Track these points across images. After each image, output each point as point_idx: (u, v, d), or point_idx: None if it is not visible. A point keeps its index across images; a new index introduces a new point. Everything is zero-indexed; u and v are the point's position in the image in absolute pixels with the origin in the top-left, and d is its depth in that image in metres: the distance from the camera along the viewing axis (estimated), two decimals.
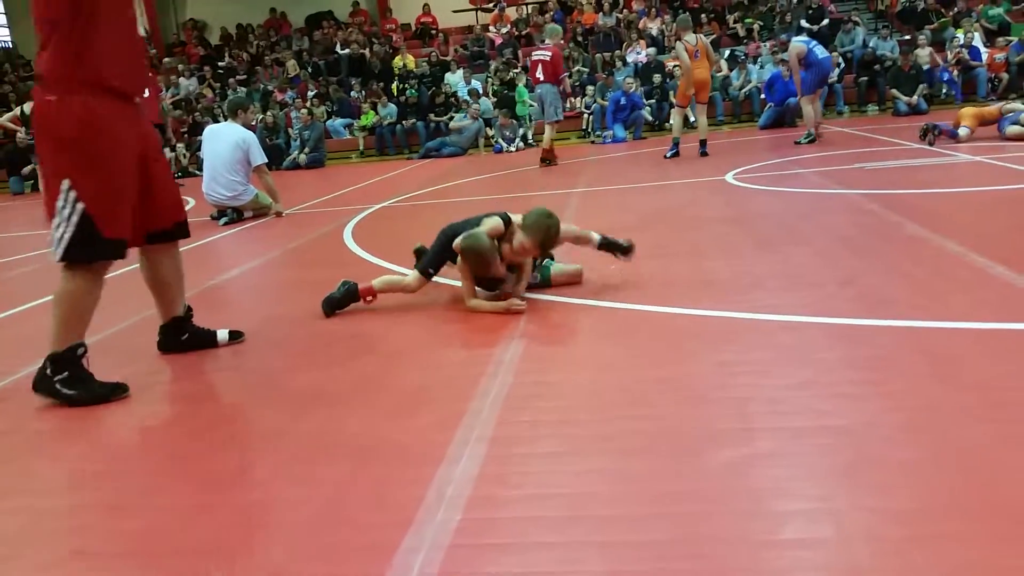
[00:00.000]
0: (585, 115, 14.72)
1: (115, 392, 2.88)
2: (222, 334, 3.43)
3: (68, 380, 2.83)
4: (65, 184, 2.75)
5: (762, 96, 13.72)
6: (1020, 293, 3.07)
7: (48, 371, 2.84)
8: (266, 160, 7.49)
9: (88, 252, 2.82)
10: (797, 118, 12.58)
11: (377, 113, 15.46)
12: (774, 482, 1.88)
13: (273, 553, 1.78)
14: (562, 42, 10.93)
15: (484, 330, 3.25)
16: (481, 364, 2.84)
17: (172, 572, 1.76)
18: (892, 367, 2.49)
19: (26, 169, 14.03)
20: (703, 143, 9.45)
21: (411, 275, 3.72)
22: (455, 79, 16.07)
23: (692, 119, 10.83)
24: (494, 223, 3.51)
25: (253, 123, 8.32)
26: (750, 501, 1.80)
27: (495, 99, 15.08)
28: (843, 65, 14.40)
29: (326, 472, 2.16)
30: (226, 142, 7.20)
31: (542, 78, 10.11)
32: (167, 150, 10.48)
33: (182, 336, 3.36)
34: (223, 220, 7.31)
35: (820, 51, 9.65)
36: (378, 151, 15.32)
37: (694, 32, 9.60)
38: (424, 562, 1.68)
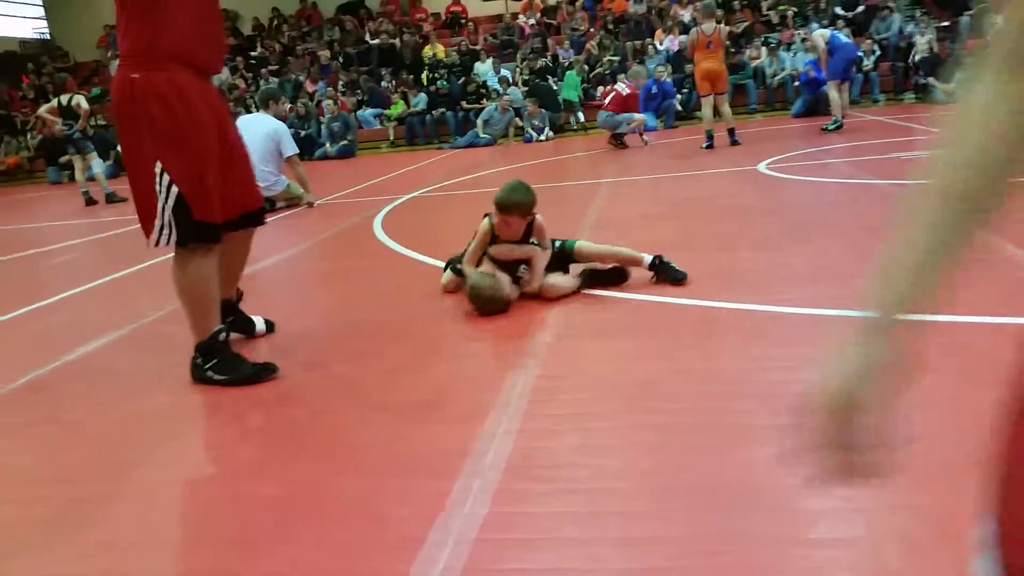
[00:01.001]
0: None
1: (264, 372, 2.89)
2: (259, 323, 3.45)
3: (219, 366, 2.87)
4: (158, 167, 2.68)
5: (795, 84, 13.53)
6: None
7: (199, 360, 2.89)
8: (297, 151, 7.55)
9: (183, 235, 2.76)
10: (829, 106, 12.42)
11: (407, 103, 15.50)
12: (800, 480, 1.85)
13: (299, 546, 1.80)
14: (643, 81, 11.55)
15: (512, 322, 3.25)
16: (509, 356, 2.85)
17: (200, 561, 1.79)
18: (929, 364, 2.44)
19: (63, 159, 14.27)
20: (731, 132, 9.37)
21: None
22: (484, 68, 16.05)
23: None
24: (480, 232, 3.54)
25: (285, 113, 8.36)
26: (776, 499, 1.79)
27: (525, 88, 15.04)
28: (878, 52, 14.15)
29: (353, 464, 2.18)
30: (258, 133, 7.25)
31: (606, 103, 10.75)
32: None
33: (228, 318, 3.25)
34: None
35: (843, 36, 9.50)
36: (408, 141, 15.37)
37: (718, 21, 9.49)
38: (450, 555, 1.69)
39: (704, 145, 9.28)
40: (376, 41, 17.88)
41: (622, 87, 10.73)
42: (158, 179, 2.69)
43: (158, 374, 3.17)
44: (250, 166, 3.17)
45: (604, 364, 2.74)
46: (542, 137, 13.42)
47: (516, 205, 3.46)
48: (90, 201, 10.18)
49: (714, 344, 2.79)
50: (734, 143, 9.23)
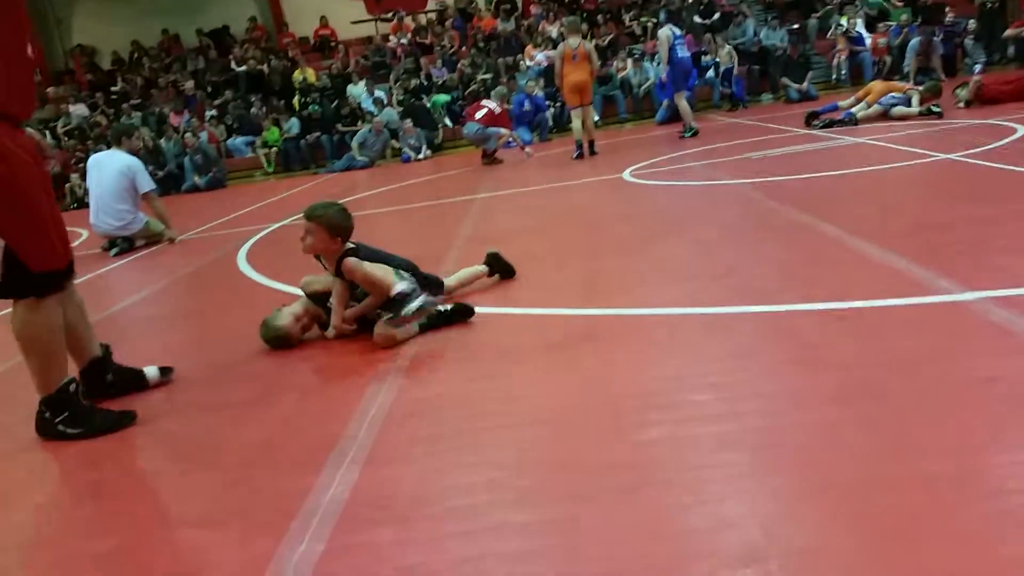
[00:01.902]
0: None
1: (121, 421, 2.72)
2: (151, 371, 3.12)
3: (70, 419, 2.68)
4: None
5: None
6: (890, 271, 3.17)
7: (47, 415, 2.69)
8: (154, 186, 7.26)
9: (24, 288, 2.60)
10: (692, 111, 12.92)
11: (281, 129, 15.19)
12: (650, 479, 1.88)
13: None
14: (504, 102, 11.73)
15: (367, 348, 3.19)
16: (362, 384, 2.79)
17: None
18: (757, 353, 2.54)
19: None
20: (591, 143, 9.66)
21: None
22: (358, 91, 15.92)
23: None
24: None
25: (149, 149, 8.02)
26: (628, 503, 1.78)
27: (400, 108, 14.99)
28: (735, 58, 14.81)
29: (184, 508, 2.07)
30: (111, 170, 6.95)
31: (477, 117, 10.82)
32: None
33: (105, 377, 3.02)
34: (114, 251, 7.05)
35: (681, 51, 9.98)
36: (284, 167, 15.05)
37: (583, 36, 9.79)
38: None
39: (575, 155, 9.47)
40: (243, 68, 17.46)
41: (494, 105, 10.86)
42: None
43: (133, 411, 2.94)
44: (60, 216, 2.84)
45: (460, 383, 2.71)
46: (420, 156, 13.39)
47: (317, 216, 3.21)
48: None
49: (568, 352, 2.81)
50: (592, 153, 9.55)
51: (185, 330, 4.17)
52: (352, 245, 3.29)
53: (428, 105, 15.10)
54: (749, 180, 5.84)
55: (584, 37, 15.98)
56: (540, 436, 2.19)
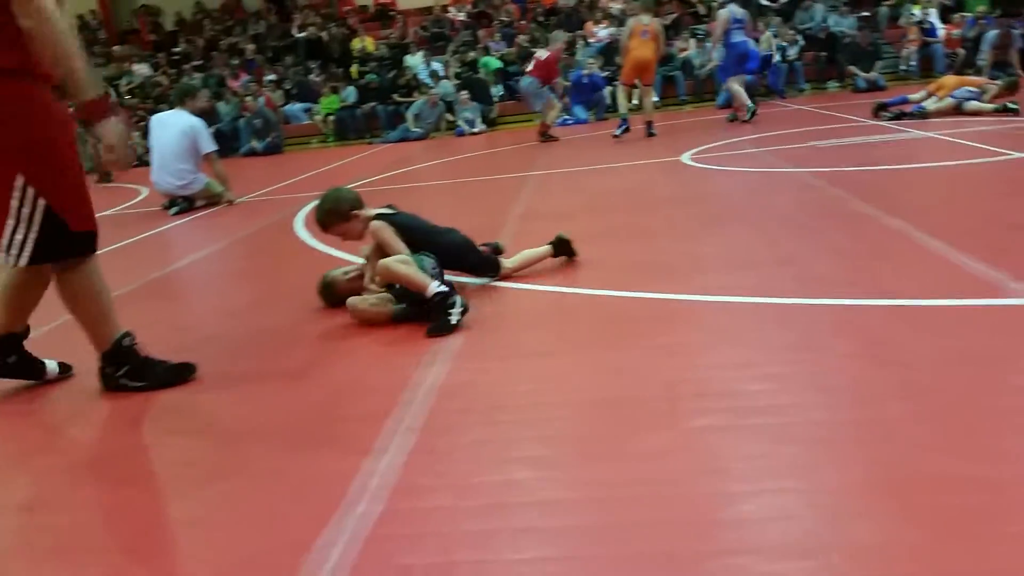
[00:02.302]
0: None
1: (182, 374, 2.80)
2: (51, 365, 2.97)
3: (131, 373, 2.74)
4: (19, 180, 2.47)
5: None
6: (956, 270, 3.09)
7: (109, 370, 2.75)
8: (215, 147, 7.36)
9: (63, 250, 2.59)
10: (757, 95, 12.67)
11: (339, 97, 15.27)
12: (701, 464, 1.87)
13: (188, 549, 1.75)
14: (563, 45, 11.10)
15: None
16: (417, 355, 2.81)
17: (89, 570, 1.72)
18: (821, 346, 2.50)
19: None
20: (649, 124, 9.47)
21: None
22: (415, 61, 15.91)
23: (635, 101, 10.84)
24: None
25: (203, 109, 8.14)
26: (676, 485, 1.79)
27: (457, 81, 14.96)
28: (802, 42, 14.47)
29: (248, 465, 2.12)
30: (174, 130, 7.07)
31: (528, 70, 10.38)
32: None
33: (7, 358, 2.85)
34: (173, 209, 7.19)
35: (738, 34, 9.77)
36: (338, 136, 15.15)
37: (654, 15, 9.60)
38: (342, 554, 1.65)
39: (617, 131, 9.37)
40: (303, 34, 17.57)
41: (541, 52, 10.60)
42: (19, 193, 2.48)
43: (56, 381, 3.04)
44: None
45: (518, 357, 2.72)
46: (474, 130, 13.37)
47: (325, 224, 3.47)
48: None
49: (626, 333, 2.80)
50: (650, 135, 9.34)
51: (244, 291, 4.24)
52: (389, 211, 3.37)
53: (481, 73, 15.05)
54: (813, 169, 5.71)
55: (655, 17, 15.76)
56: (594, 417, 2.18)
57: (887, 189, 4.85)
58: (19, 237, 2.52)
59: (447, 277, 3.28)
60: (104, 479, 2.17)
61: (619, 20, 16.24)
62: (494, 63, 15.50)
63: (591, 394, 2.33)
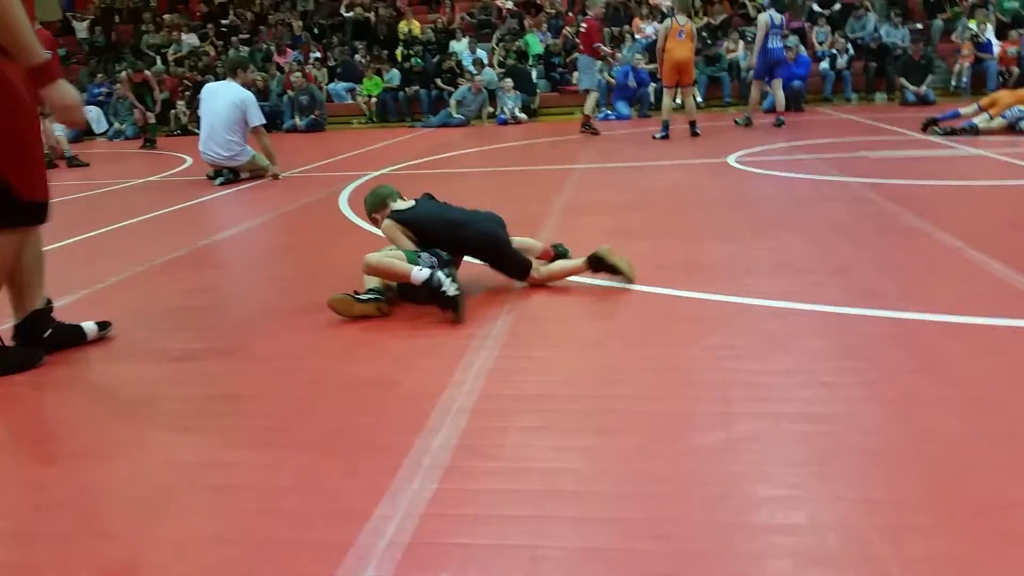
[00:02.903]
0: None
1: (30, 360, 2.78)
2: (89, 326, 3.03)
3: None
4: None
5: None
6: (1011, 289, 3.06)
7: None
8: (264, 121, 7.42)
9: (6, 218, 2.63)
10: (803, 102, 12.55)
11: (382, 79, 15.32)
12: (750, 467, 1.87)
13: (245, 514, 1.78)
14: (602, 9, 11.01)
15: (472, 304, 3.23)
16: (467, 337, 2.83)
17: (151, 529, 1.76)
18: (875, 357, 2.48)
19: None
20: (692, 124, 9.49)
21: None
22: (460, 47, 15.91)
23: (679, 100, 10.81)
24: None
25: (253, 83, 8.27)
26: (724, 485, 1.80)
27: (501, 69, 14.95)
28: (851, 52, 14.28)
29: (303, 436, 2.15)
30: (224, 101, 7.13)
31: (581, 48, 10.55)
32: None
33: (44, 333, 2.91)
34: (219, 180, 7.27)
35: (773, 40, 9.97)
36: (380, 118, 15.21)
37: (694, 14, 9.64)
38: (397, 530, 1.68)
39: (658, 135, 9.36)
40: (350, 14, 17.63)
41: (583, 25, 10.73)
42: None
43: (108, 340, 3.10)
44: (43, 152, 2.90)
45: (561, 348, 2.73)
46: (516, 119, 13.35)
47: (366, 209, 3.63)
48: (50, 164, 9.92)
49: (671, 332, 2.80)
50: (694, 134, 9.35)
51: (290, 265, 4.29)
52: (407, 206, 3.43)
53: (522, 46, 15.13)
54: (864, 179, 5.65)
55: (696, 15, 15.65)
56: (645, 414, 2.19)
57: (939, 204, 4.78)
58: None
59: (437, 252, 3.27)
60: (164, 430, 2.22)
61: (665, 16, 16.15)
62: (536, 45, 15.53)
63: (642, 391, 2.33)
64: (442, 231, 3.33)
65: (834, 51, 14.21)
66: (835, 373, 2.38)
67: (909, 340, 2.62)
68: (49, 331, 2.92)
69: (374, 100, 15.20)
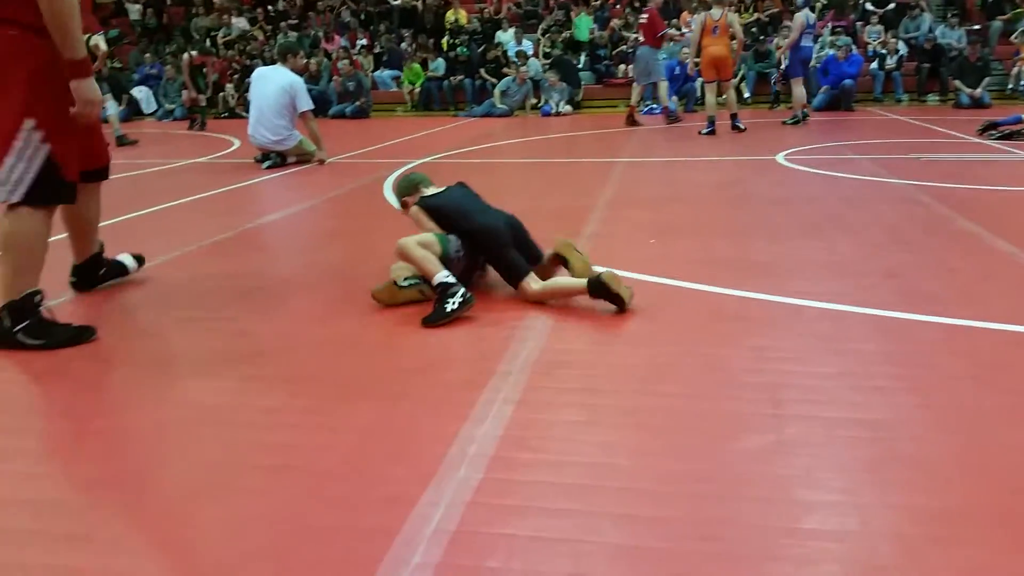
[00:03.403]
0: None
1: (82, 336, 2.81)
2: (129, 261, 3.60)
3: (30, 329, 2.73)
4: (29, 123, 2.65)
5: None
6: None
7: (7, 323, 2.72)
8: (312, 107, 7.49)
9: (50, 195, 2.76)
10: (853, 102, 12.32)
11: (426, 68, 15.35)
12: (799, 471, 1.85)
13: (292, 496, 1.80)
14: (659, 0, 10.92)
15: (516, 296, 3.22)
16: (511, 328, 2.83)
17: (197, 508, 1.79)
18: (929, 364, 2.43)
19: None
20: (734, 117, 9.42)
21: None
22: (506, 38, 15.89)
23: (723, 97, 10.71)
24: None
25: (302, 68, 8.36)
26: (773, 488, 1.78)
27: (546, 60, 14.90)
28: (902, 52, 13.99)
29: (351, 420, 2.17)
30: (274, 85, 7.20)
31: (643, 40, 10.62)
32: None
33: (100, 271, 3.46)
34: (266, 164, 7.35)
35: (807, 40, 10.17)
36: (424, 106, 15.26)
37: (734, 8, 9.60)
38: (443, 517, 1.68)
39: (704, 131, 9.26)
40: (398, 2, 17.69)
41: (643, 17, 10.76)
42: (25, 135, 2.65)
43: (161, 317, 3.16)
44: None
45: (607, 343, 2.72)
46: (560, 111, 13.30)
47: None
48: None
49: (719, 331, 2.77)
50: (736, 128, 9.28)
51: (337, 249, 4.32)
52: (433, 192, 3.45)
53: (573, 30, 15.08)
54: (916, 181, 5.53)
55: (745, 11, 15.44)
56: (693, 412, 2.16)
57: (995, 209, 4.67)
58: (15, 176, 2.68)
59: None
60: (212, 409, 2.25)
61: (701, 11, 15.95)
62: (585, 28, 15.48)
63: (689, 389, 2.31)
64: (454, 219, 3.29)
65: (884, 51, 13.92)
66: (887, 378, 2.33)
67: (964, 347, 2.56)
68: (103, 270, 3.49)
69: (417, 90, 15.25)
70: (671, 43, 11.28)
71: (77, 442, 2.11)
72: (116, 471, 1.95)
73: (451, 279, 3.00)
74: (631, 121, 10.49)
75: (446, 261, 3.10)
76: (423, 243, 3.12)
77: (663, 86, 10.84)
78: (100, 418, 2.25)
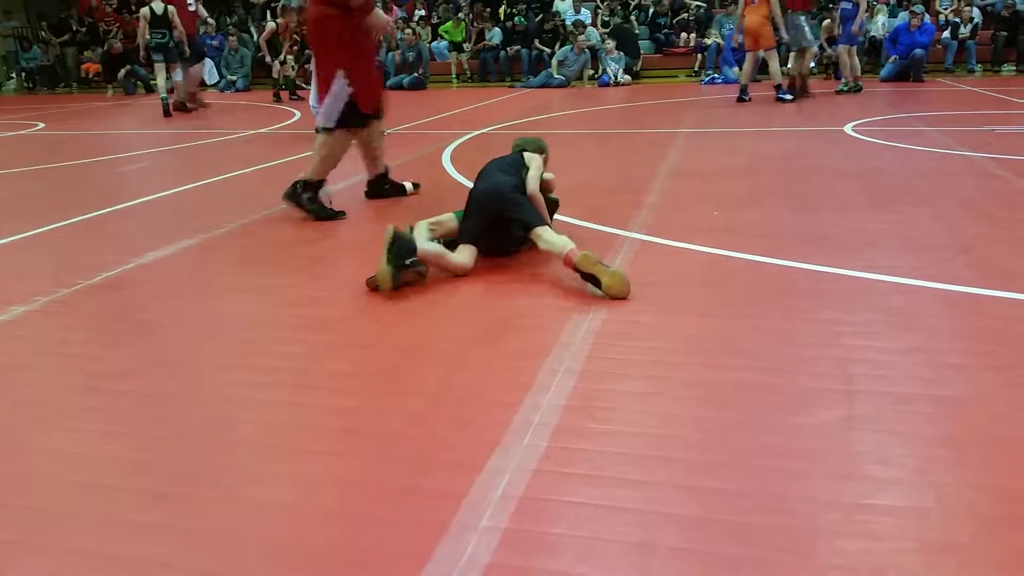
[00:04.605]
0: (699, 54, 14.22)
1: (337, 216, 4.19)
2: (408, 186, 4.77)
3: (311, 200, 4.16)
4: (341, 73, 4.02)
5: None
6: None
7: (299, 188, 4.16)
8: None
9: (350, 122, 4.16)
10: (923, 72, 11.89)
11: (482, 39, 15.24)
12: (871, 447, 1.80)
13: (360, 459, 1.83)
14: None
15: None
16: (574, 298, 2.81)
17: (263, 463, 1.83)
18: (1009, 341, 2.34)
19: (121, 73, 15.28)
20: (777, 88, 9.38)
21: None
22: (564, 7, 15.69)
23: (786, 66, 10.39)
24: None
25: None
26: (845, 464, 1.74)
27: (604, 30, 14.68)
28: (977, 20, 13.41)
29: (417, 385, 2.19)
30: None
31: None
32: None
33: (384, 187, 4.70)
34: None
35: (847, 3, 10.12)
36: (480, 77, 15.20)
37: None
38: (508, 483, 1.69)
39: (739, 98, 9.41)
40: None
41: None
42: (338, 81, 4.03)
43: (229, 284, 3.23)
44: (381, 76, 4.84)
45: (672, 314, 2.68)
46: (619, 81, 13.12)
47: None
48: (167, 112, 10.31)
49: (788, 304, 2.71)
50: (780, 99, 9.25)
51: (396, 219, 4.34)
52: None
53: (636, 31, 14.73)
54: (992, 155, 5.32)
55: None
56: (756, 384, 2.13)
57: None
58: (329, 109, 4.11)
59: None
60: (283, 372, 2.29)
61: None
62: None
63: (758, 362, 2.27)
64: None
65: (957, 19, 13.37)
66: (964, 355, 2.26)
67: None
68: (387, 186, 4.72)
69: (471, 61, 15.20)
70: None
71: (150, 405, 2.17)
72: (188, 431, 2.00)
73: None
74: (803, 92, 9.69)
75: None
76: (436, 222, 3.28)
77: (810, 54, 9.90)
78: (172, 381, 2.31)
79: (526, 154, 3.45)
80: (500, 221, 3.20)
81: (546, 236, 3.02)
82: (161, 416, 2.09)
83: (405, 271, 2.98)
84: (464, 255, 3.16)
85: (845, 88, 10.11)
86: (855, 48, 10.30)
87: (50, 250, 3.86)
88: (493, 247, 3.27)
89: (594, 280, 2.81)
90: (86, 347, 2.61)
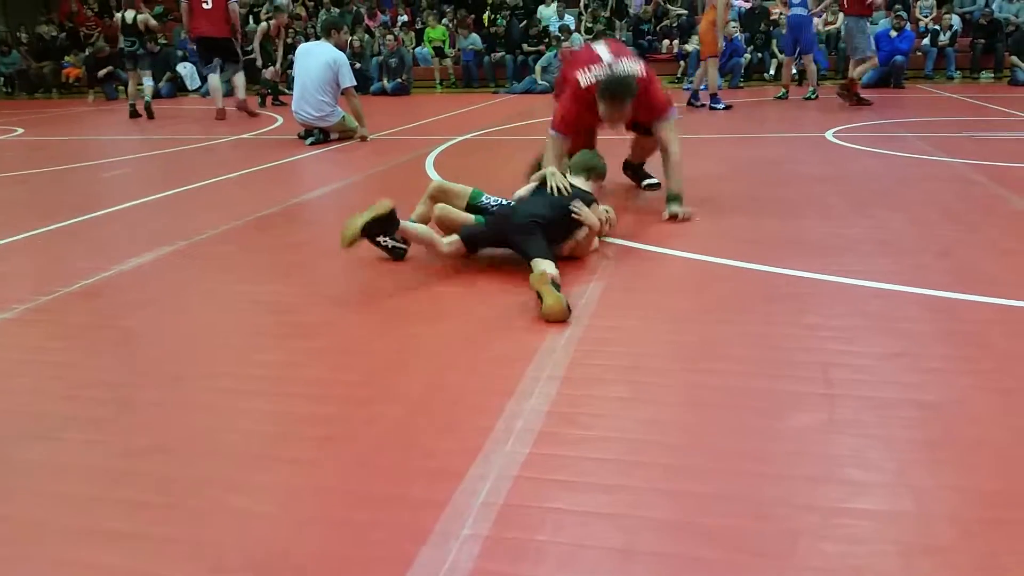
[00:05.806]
0: (681, 61, 14.31)
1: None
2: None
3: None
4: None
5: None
6: None
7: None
8: (355, 83, 7.48)
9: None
10: (903, 79, 12.01)
11: (450, 43, 15.27)
12: (851, 451, 1.82)
13: (341, 466, 1.82)
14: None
15: (560, 271, 3.20)
16: None
17: (241, 473, 1.82)
18: (986, 345, 2.37)
19: (101, 73, 15.19)
20: (712, 97, 9.45)
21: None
22: (548, 13, 15.74)
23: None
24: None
25: (345, 44, 8.30)
26: (824, 467, 1.75)
27: (588, 36, 14.72)
28: (956, 28, 13.58)
29: (396, 393, 2.19)
30: (318, 61, 7.21)
31: (847, 7, 9.22)
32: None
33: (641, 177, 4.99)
34: (309, 140, 7.38)
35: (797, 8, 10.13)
36: (464, 83, 15.21)
37: None
38: (490, 491, 1.69)
39: (711, 106, 9.50)
40: None
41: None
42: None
43: (210, 290, 3.22)
44: None
45: (653, 320, 2.69)
46: None
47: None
48: (134, 114, 10.70)
49: (768, 309, 2.73)
50: (712, 108, 9.37)
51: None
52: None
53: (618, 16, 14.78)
54: (970, 160, 5.38)
55: None
56: (736, 388, 2.14)
57: None
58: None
59: None
60: (261, 380, 2.28)
61: None
62: None
63: (739, 367, 2.28)
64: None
65: (937, 27, 13.53)
66: (942, 359, 2.28)
67: (1020, 329, 2.49)
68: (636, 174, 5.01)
69: (449, 63, 15.23)
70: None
71: (130, 413, 2.16)
72: (169, 440, 1.99)
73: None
74: (855, 98, 9.04)
75: (478, 208, 3.47)
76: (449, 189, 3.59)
77: (868, 64, 9.20)
78: (152, 389, 2.30)
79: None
80: (505, 244, 3.25)
81: (538, 267, 2.88)
82: (141, 425, 2.07)
83: (375, 243, 3.27)
84: (452, 244, 3.26)
85: (813, 96, 10.21)
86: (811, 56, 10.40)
87: (29, 257, 3.82)
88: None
89: (540, 297, 2.72)
90: (65, 355, 2.58)
